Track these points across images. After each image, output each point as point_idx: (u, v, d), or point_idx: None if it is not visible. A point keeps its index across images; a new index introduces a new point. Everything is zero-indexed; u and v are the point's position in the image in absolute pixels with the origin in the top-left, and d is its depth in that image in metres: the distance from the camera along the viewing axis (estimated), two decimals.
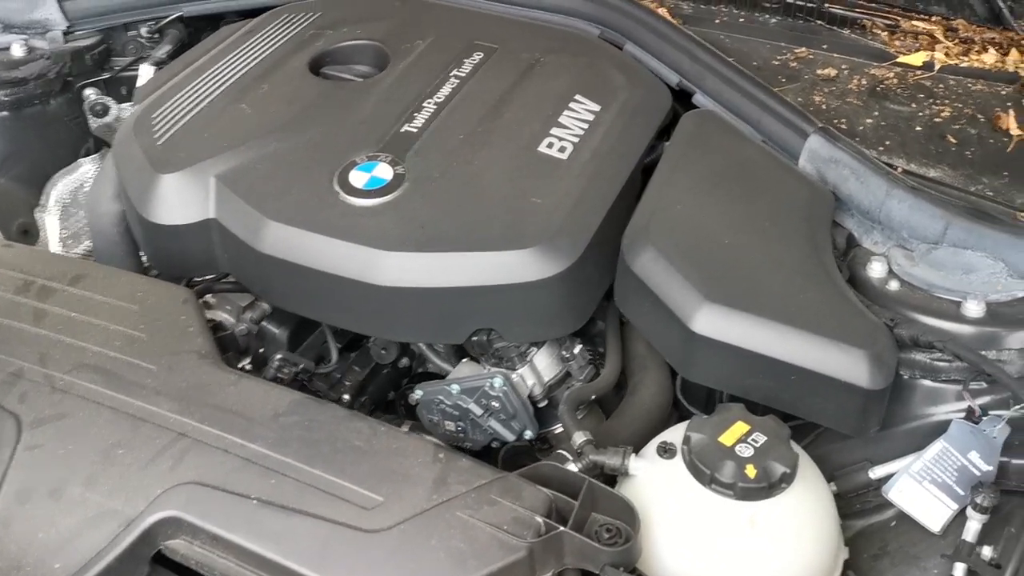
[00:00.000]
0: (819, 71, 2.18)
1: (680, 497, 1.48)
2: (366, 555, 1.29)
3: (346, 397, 1.93)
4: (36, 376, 1.51)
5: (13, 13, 2.36)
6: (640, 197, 1.80)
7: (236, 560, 1.31)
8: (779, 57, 2.23)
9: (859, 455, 1.67)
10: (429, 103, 1.92)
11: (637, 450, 1.57)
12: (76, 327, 1.59)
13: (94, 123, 2.35)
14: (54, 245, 2.20)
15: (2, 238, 2.12)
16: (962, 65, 2.20)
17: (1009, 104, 2.07)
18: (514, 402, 1.76)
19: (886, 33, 2.31)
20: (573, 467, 1.54)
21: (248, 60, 2.05)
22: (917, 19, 2.32)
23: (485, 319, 1.70)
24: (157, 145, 1.83)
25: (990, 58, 2.21)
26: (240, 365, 1.84)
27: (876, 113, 2.05)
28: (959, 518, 1.53)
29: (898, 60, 2.21)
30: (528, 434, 1.80)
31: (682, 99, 2.09)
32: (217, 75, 2.01)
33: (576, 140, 1.86)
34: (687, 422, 1.53)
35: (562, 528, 1.30)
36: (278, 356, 1.79)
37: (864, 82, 2.15)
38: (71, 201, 2.23)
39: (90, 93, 2.36)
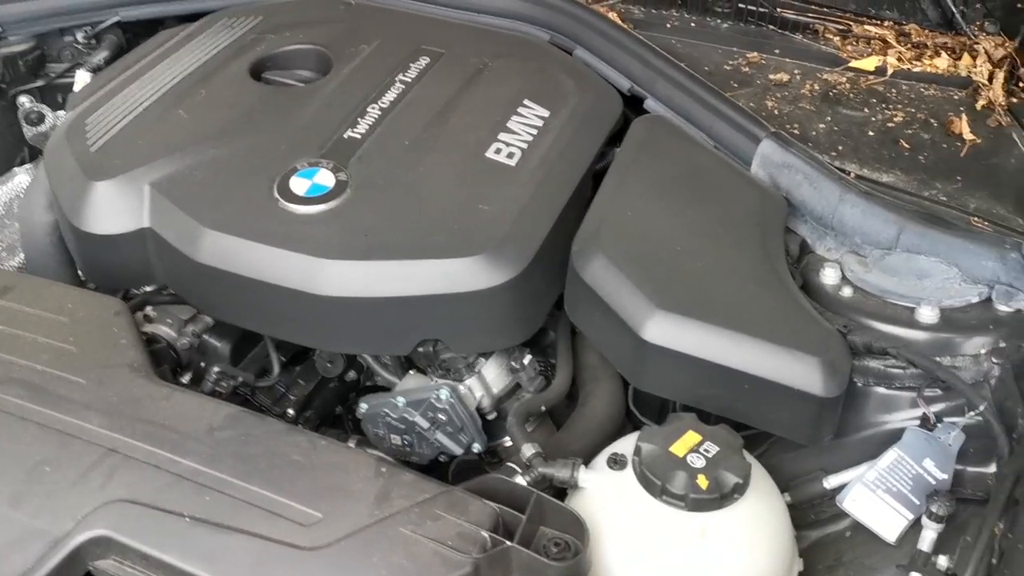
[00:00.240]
0: (771, 76, 2.16)
1: (630, 509, 1.45)
2: (304, 573, 1.25)
3: (291, 411, 1.90)
4: None
5: None
6: (590, 204, 1.77)
7: None
8: (731, 62, 2.22)
9: (813, 464, 1.65)
10: (373, 108, 1.89)
11: (588, 462, 1.54)
12: (1, 340, 1.54)
13: (29, 131, 2.30)
14: None
15: None
16: (915, 70, 2.20)
17: (962, 109, 2.08)
18: (461, 414, 1.72)
19: (838, 38, 2.30)
20: (522, 480, 1.51)
21: (186, 65, 2.01)
22: (869, 24, 2.32)
23: (431, 329, 1.67)
24: (90, 152, 1.78)
25: (942, 63, 2.20)
26: (182, 380, 1.79)
27: (829, 118, 2.04)
28: (915, 527, 1.52)
29: (851, 65, 2.20)
30: (476, 447, 1.77)
31: (633, 105, 2.07)
32: (154, 80, 1.96)
33: (525, 146, 1.83)
34: (638, 433, 1.51)
35: (509, 543, 1.27)
36: (215, 369, 1.75)
37: (817, 87, 2.13)
38: (5, 212, 2.16)
39: (25, 101, 2.31)
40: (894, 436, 1.59)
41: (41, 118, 2.29)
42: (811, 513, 1.64)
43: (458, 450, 1.76)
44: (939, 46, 2.26)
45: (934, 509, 1.47)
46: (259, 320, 1.73)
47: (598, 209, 1.75)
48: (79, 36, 2.36)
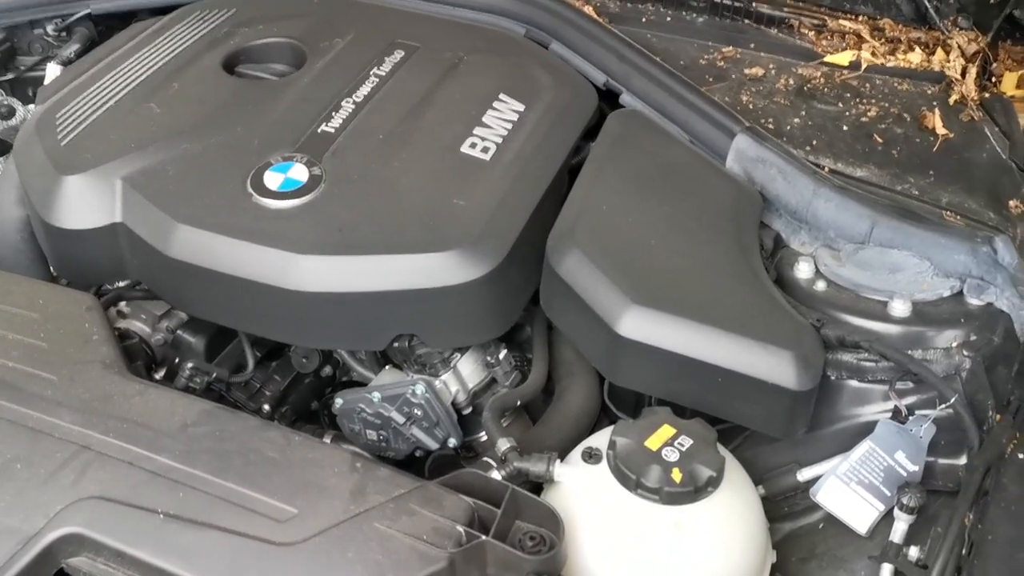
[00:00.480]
0: (746, 70, 2.17)
1: (605, 502, 1.45)
2: (279, 569, 1.25)
3: (266, 407, 1.88)
4: None
5: None
6: (566, 199, 1.77)
7: None
8: (706, 56, 2.22)
9: (787, 457, 1.66)
10: (348, 102, 1.87)
11: (563, 456, 1.54)
12: None
13: None
14: None
15: None
16: (888, 64, 2.20)
17: (935, 103, 2.08)
18: (437, 409, 1.72)
19: (813, 32, 2.31)
20: (497, 475, 1.51)
21: (159, 58, 1.99)
22: (844, 18, 2.32)
23: (406, 324, 1.66)
24: (61, 146, 1.76)
25: (916, 57, 2.21)
26: (156, 376, 1.78)
27: (803, 112, 2.04)
28: (887, 519, 1.53)
29: (825, 59, 2.20)
30: (452, 442, 1.77)
31: (609, 99, 2.07)
32: (125, 73, 1.94)
33: (500, 140, 1.82)
34: (613, 427, 1.50)
35: (484, 537, 1.27)
36: (189, 365, 1.73)
37: (791, 81, 2.14)
38: None
39: None
40: (867, 429, 1.60)
41: (11, 112, 2.27)
42: (785, 505, 1.65)
43: (434, 445, 1.76)
44: (913, 41, 2.27)
45: (905, 501, 1.48)
46: (233, 316, 1.72)
47: (573, 204, 1.75)
48: (49, 28, 2.33)
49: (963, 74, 2.15)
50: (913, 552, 1.46)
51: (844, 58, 2.20)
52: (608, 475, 1.46)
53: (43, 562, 1.27)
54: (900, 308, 1.65)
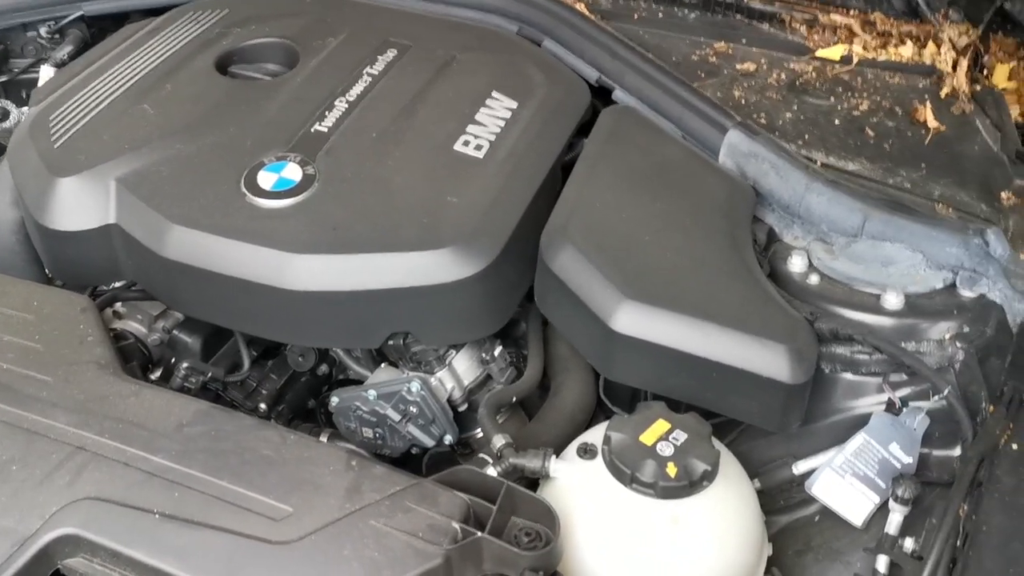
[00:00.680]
0: (738, 66, 2.17)
1: (601, 498, 1.45)
2: (275, 568, 1.25)
3: (263, 406, 1.89)
4: None
5: None
6: (559, 195, 1.77)
7: None
8: (698, 52, 2.22)
9: (782, 451, 1.67)
10: (341, 102, 1.88)
11: (559, 452, 1.54)
12: None
13: None
14: None
15: None
16: (880, 58, 2.21)
17: (926, 96, 2.08)
18: (432, 406, 1.72)
19: (805, 27, 2.31)
20: (493, 471, 1.51)
21: (152, 59, 1.99)
22: (835, 13, 2.32)
23: (401, 322, 1.66)
24: (54, 148, 1.77)
25: (907, 51, 2.21)
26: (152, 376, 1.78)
27: (795, 107, 2.04)
28: (882, 511, 1.53)
29: (817, 54, 2.21)
30: (448, 439, 1.77)
31: (602, 95, 2.07)
32: (119, 75, 1.94)
33: (493, 138, 1.82)
34: (608, 422, 1.51)
35: (480, 533, 1.27)
36: (184, 365, 1.73)
37: (783, 76, 2.14)
38: None
39: None
40: (861, 421, 1.60)
41: (5, 115, 2.26)
42: (780, 499, 1.65)
43: (430, 442, 1.76)
44: (904, 35, 2.27)
45: (900, 492, 1.49)
46: (228, 316, 1.72)
47: (567, 200, 1.75)
48: (42, 31, 2.34)
49: (954, 67, 2.15)
50: (908, 543, 1.46)
51: (836, 52, 2.21)
52: (603, 470, 1.47)
53: (39, 563, 1.27)
54: (893, 301, 1.66)
